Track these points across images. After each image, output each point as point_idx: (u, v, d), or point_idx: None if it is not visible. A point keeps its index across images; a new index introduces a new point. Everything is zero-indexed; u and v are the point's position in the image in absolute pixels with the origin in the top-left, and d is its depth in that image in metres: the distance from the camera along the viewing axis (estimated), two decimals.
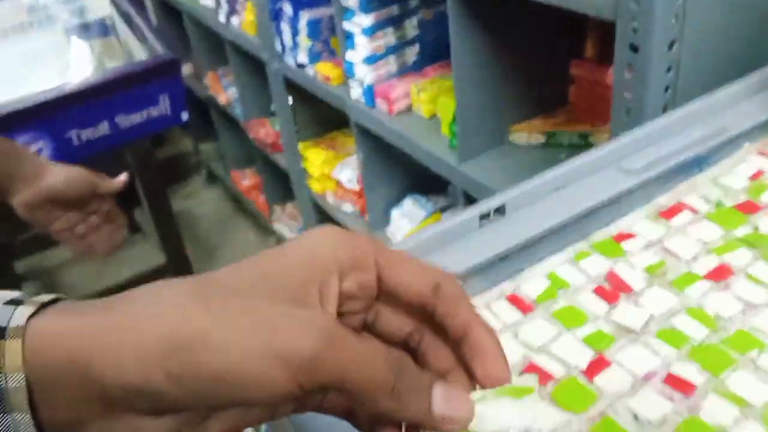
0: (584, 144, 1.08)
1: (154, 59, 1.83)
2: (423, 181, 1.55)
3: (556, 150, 1.10)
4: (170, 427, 0.24)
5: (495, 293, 0.50)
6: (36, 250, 2.34)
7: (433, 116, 1.30)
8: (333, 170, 1.77)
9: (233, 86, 2.25)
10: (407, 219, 1.53)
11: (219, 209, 2.74)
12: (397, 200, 1.60)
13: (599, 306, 0.47)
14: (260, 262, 0.27)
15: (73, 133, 1.73)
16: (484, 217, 0.57)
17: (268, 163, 2.22)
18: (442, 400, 0.24)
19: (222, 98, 2.38)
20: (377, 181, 1.57)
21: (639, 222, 0.55)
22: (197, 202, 2.79)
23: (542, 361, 0.44)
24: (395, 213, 1.57)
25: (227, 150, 2.60)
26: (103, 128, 1.77)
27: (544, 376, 0.43)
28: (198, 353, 0.22)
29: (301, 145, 1.90)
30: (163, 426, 0.24)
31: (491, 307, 0.49)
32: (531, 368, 0.43)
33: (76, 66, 1.90)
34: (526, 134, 1.15)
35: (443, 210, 1.52)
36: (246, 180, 2.50)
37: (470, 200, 1.15)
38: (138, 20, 1.96)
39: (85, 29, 2.03)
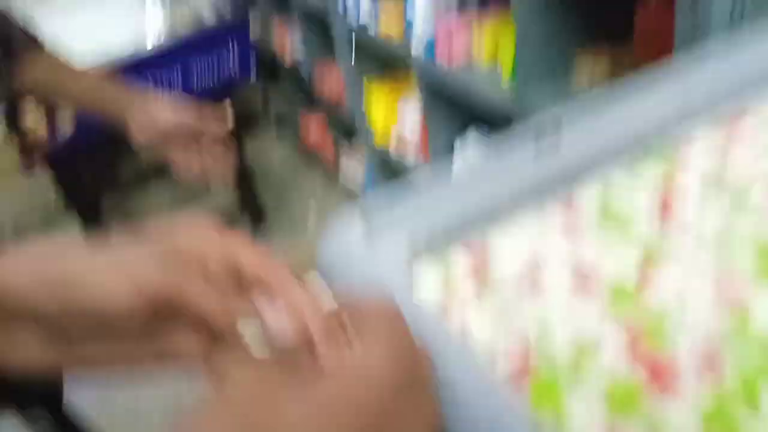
0: None
1: (225, 21, 1.88)
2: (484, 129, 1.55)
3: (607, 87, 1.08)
4: (47, 338, 0.32)
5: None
6: (124, 192, 2.46)
7: (494, 60, 1.29)
8: (393, 119, 1.79)
9: (298, 42, 2.28)
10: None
11: (288, 160, 2.80)
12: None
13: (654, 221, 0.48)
14: (131, 244, 0.33)
15: None
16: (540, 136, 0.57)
17: (333, 114, 2.25)
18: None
19: (288, 54, 2.41)
20: (437, 130, 1.57)
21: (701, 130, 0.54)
22: (268, 153, 2.86)
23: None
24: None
25: (294, 103, 2.64)
26: (179, 90, 1.83)
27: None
28: (62, 264, 0.30)
29: (364, 95, 1.91)
30: (41, 335, 0.31)
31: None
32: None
33: (150, 30, 1.96)
34: (589, 73, 1.13)
35: None
36: (313, 131, 2.54)
37: None
38: None
39: None
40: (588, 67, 1.12)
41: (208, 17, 1.90)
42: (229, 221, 2.29)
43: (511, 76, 1.16)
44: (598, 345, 0.40)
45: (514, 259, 0.47)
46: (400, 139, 1.78)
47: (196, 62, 1.84)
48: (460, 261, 0.48)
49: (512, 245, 0.48)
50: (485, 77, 1.28)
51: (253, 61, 1.93)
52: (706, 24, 0.73)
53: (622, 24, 1.12)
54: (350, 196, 2.36)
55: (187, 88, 1.83)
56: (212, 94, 1.88)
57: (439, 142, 1.59)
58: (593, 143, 0.55)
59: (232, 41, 1.88)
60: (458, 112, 1.53)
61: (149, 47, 1.76)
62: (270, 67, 2.64)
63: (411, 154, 1.76)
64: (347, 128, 2.15)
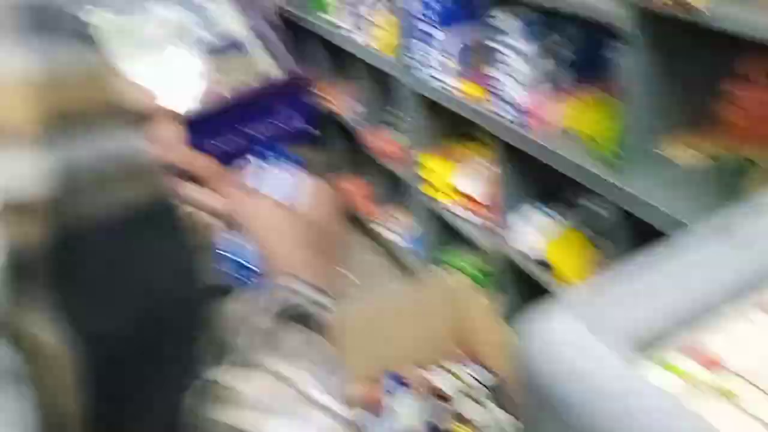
0: (751, 169, 1.09)
1: (287, 77, 1.91)
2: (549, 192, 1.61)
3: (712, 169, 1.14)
4: None
5: None
6: None
7: (582, 133, 1.34)
8: (453, 179, 1.83)
9: (349, 97, 2.33)
10: (531, 226, 1.56)
11: None
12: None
13: None
14: None
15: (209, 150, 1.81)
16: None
17: (379, 171, 2.31)
18: None
19: (341, 110, 2.43)
20: (515, 198, 1.62)
21: None
22: None
23: None
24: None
25: (338, 162, 2.66)
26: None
27: None
28: None
29: (421, 155, 1.96)
30: None
31: None
32: None
33: (209, 84, 1.99)
34: (683, 151, 1.17)
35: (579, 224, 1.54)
36: (354, 192, 2.53)
37: (627, 215, 1.18)
38: (269, 36, 2.05)
39: (218, 46, 2.12)
40: (682, 148, 1.17)
41: (271, 73, 1.93)
42: None
43: (613, 151, 1.21)
44: None
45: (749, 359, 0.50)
46: (465, 200, 1.80)
47: (255, 118, 1.86)
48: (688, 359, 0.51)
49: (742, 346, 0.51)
50: (578, 149, 1.32)
51: (315, 118, 1.93)
52: None
53: (709, 110, 1.19)
54: (391, 257, 2.40)
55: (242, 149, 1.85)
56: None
57: (512, 208, 1.62)
58: None
59: (294, 97, 1.90)
60: (538, 180, 1.57)
61: (208, 102, 1.78)
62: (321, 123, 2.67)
63: (473, 217, 1.79)
64: (396, 188, 2.19)
